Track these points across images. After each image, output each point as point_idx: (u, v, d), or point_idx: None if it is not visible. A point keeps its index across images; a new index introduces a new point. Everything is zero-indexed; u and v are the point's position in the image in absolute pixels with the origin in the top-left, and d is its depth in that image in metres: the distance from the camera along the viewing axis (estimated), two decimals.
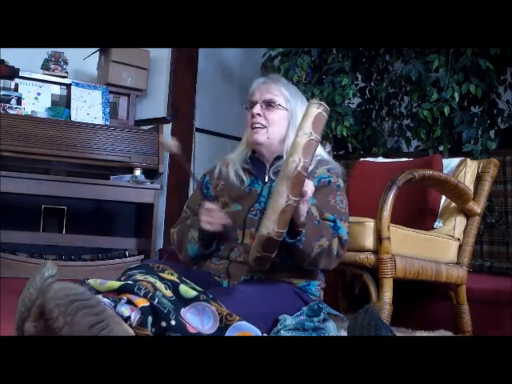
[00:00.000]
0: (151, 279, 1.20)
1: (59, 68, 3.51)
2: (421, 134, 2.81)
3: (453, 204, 1.98)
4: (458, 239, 1.95)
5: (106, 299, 1.14)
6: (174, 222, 1.76)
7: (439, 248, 1.88)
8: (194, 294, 1.19)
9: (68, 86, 3.51)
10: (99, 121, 3.46)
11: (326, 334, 1.40)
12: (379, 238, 1.66)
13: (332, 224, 1.49)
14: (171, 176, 3.73)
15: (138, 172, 3.32)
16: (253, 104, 1.61)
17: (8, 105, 3.23)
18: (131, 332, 1.09)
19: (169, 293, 1.18)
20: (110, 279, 1.22)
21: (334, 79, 3.11)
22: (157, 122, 3.70)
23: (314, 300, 1.53)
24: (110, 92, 3.62)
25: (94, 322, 1.00)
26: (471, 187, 1.97)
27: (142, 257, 3.29)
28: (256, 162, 1.66)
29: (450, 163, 2.11)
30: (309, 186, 1.32)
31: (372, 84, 3.35)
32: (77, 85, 3.50)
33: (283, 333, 1.33)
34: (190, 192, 3.72)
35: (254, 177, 1.63)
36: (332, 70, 3.15)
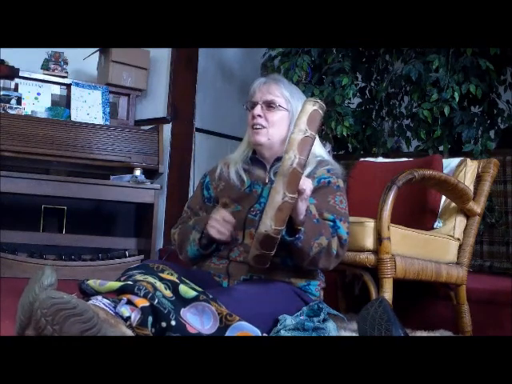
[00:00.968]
0: (151, 279, 1.20)
1: (59, 68, 3.51)
2: (421, 134, 2.81)
3: (453, 204, 1.98)
4: (458, 239, 1.95)
5: (105, 300, 1.14)
6: (173, 222, 1.76)
7: (439, 248, 1.88)
8: (193, 294, 1.19)
9: (68, 85, 3.51)
10: (99, 121, 3.46)
11: (326, 334, 1.40)
12: (379, 238, 1.66)
13: (332, 224, 1.49)
14: (171, 176, 3.73)
15: (138, 172, 3.32)
16: (253, 105, 1.61)
17: (8, 105, 3.23)
18: (128, 333, 1.08)
19: (169, 293, 1.18)
20: (109, 279, 1.22)
21: (334, 79, 3.11)
22: (157, 122, 3.70)
23: (313, 300, 1.53)
24: (110, 92, 3.62)
25: (83, 329, 0.99)
26: (471, 187, 1.97)
27: (142, 257, 3.29)
28: (256, 163, 1.66)
29: (450, 163, 2.11)
30: (307, 184, 1.32)
31: (372, 84, 3.35)
32: (77, 85, 3.51)
33: (283, 333, 1.33)
34: (190, 192, 3.72)
35: (254, 177, 1.63)
36: (332, 70, 3.15)
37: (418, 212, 1.99)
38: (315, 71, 3.27)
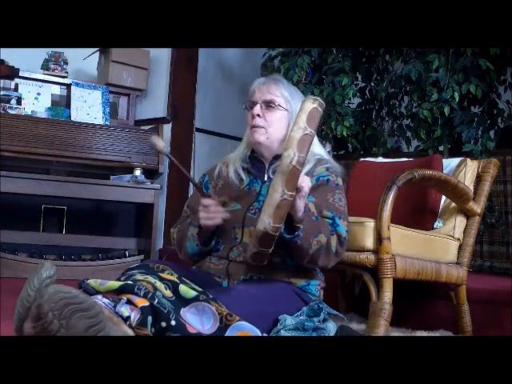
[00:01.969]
0: (151, 279, 1.20)
1: (59, 68, 3.51)
2: (421, 134, 2.80)
3: (453, 204, 1.98)
4: (458, 239, 1.95)
5: (105, 299, 1.14)
6: (173, 221, 1.76)
7: (439, 248, 1.88)
8: (193, 294, 1.19)
9: (68, 85, 3.52)
10: (99, 121, 3.46)
11: (326, 334, 1.40)
12: (379, 238, 1.66)
13: (330, 222, 1.49)
14: (171, 176, 3.73)
15: (138, 172, 3.32)
16: (253, 104, 1.61)
17: (8, 105, 3.23)
18: (130, 333, 1.08)
19: (169, 293, 1.18)
20: (109, 279, 1.22)
21: (334, 79, 3.11)
22: (157, 121, 3.70)
23: (313, 300, 1.53)
24: (110, 92, 3.62)
25: (89, 324, 1.00)
26: (471, 187, 1.97)
27: (141, 257, 3.29)
28: (255, 161, 1.66)
29: (450, 163, 2.10)
30: (305, 182, 1.32)
31: (372, 84, 3.35)
32: (77, 85, 3.51)
33: (283, 333, 1.33)
34: (190, 192, 3.72)
35: (253, 176, 1.63)
36: (332, 70, 3.15)
37: (418, 212, 1.99)
38: (315, 71, 3.27)
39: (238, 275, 1.50)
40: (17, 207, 3.32)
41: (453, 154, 2.70)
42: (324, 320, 1.45)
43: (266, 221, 1.25)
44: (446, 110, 2.69)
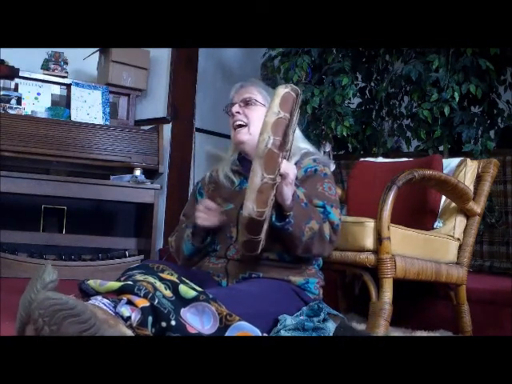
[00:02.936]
0: (151, 279, 1.20)
1: (59, 68, 3.51)
2: (421, 134, 2.80)
3: (453, 204, 1.98)
4: (458, 239, 1.95)
5: (105, 300, 1.14)
6: (174, 221, 1.77)
7: (439, 248, 1.88)
8: (193, 294, 1.19)
9: (68, 85, 3.52)
10: (99, 121, 3.46)
11: (326, 334, 1.40)
12: (379, 238, 1.66)
13: (322, 210, 1.50)
14: (171, 176, 3.73)
15: (138, 172, 3.32)
16: (231, 106, 1.65)
17: (8, 105, 3.23)
18: (128, 333, 1.08)
19: (169, 293, 1.18)
20: (110, 279, 1.22)
21: (334, 79, 3.11)
22: (157, 121, 3.70)
23: (312, 298, 1.54)
24: (110, 92, 3.62)
25: (81, 329, 0.99)
26: (471, 187, 1.97)
27: (141, 257, 3.29)
28: (244, 162, 1.68)
29: (450, 163, 2.11)
30: (289, 168, 1.32)
31: (372, 84, 3.34)
32: (77, 85, 3.51)
33: (283, 333, 1.33)
34: (190, 192, 3.72)
35: (243, 176, 1.65)
36: (332, 70, 3.15)
37: (417, 212, 1.99)
38: (315, 71, 3.27)
39: (236, 274, 1.50)
40: (17, 207, 3.32)
41: (453, 154, 2.70)
42: (324, 320, 1.45)
43: (250, 206, 1.25)
44: (446, 110, 2.69)
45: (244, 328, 1.19)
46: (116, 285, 1.18)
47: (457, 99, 2.67)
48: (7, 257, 2.96)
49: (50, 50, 3.51)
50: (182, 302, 1.18)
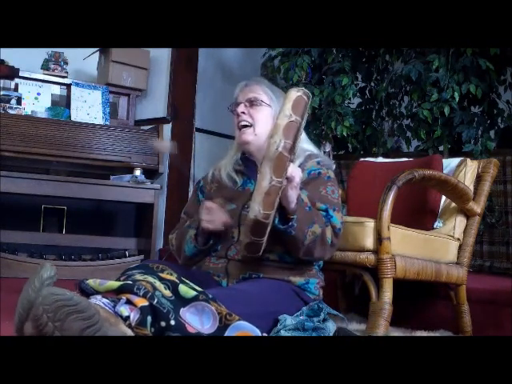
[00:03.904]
0: (150, 279, 1.20)
1: (59, 68, 3.51)
2: (421, 134, 2.80)
3: (453, 204, 1.98)
4: (458, 239, 1.95)
5: (105, 299, 1.14)
6: (174, 221, 1.77)
7: (439, 248, 1.88)
8: (193, 293, 1.19)
9: (68, 85, 3.51)
10: (99, 121, 3.46)
11: (326, 334, 1.40)
12: (379, 238, 1.66)
13: (324, 213, 1.50)
14: (171, 176, 3.73)
15: (138, 172, 3.32)
16: (237, 105, 1.64)
17: (8, 105, 3.23)
18: (128, 333, 1.08)
19: (168, 293, 1.18)
20: (109, 279, 1.22)
21: (334, 79, 3.11)
22: (157, 121, 3.70)
23: (313, 299, 1.54)
24: (110, 92, 3.62)
25: (84, 326, 1.00)
26: (471, 187, 1.97)
27: (141, 257, 3.29)
28: (247, 162, 1.67)
29: (450, 163, 2.11)
30: (296, 172, 1.32)
31: (372, 84, 3.34)
32: (77, 85, 3.51)
33: (283, 333, 1.33)
34: (190, 192, 3.72)
35: (246, 176, 1.64)
36: (332, 70, 3.15)
37: (417, 212, 1.99)
38: (315, 71, 3.27)
39: (237, 274, 1.50)
40: (17, 207, 3.32)
41: (453, 154, 2.70)
42: (324, 320, 1.45)
43: (256, 208, 1.25)
44: (446, 110, 2.69)
45: (244, 328, 1.19)
46: (115, 284, 1.18)
47: (457, 99, 2.67)
48: (7, 257, 2.96)
49: (49, 50, 3.51)
50: (181, 301, 1.18)
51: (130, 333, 1.09)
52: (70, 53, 3.52)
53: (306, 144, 1.68)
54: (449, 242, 1.92)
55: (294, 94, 1.28)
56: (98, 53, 3.70)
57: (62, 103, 3.50)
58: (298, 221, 1.37)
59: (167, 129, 3.69)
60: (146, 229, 3.38)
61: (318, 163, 1.61)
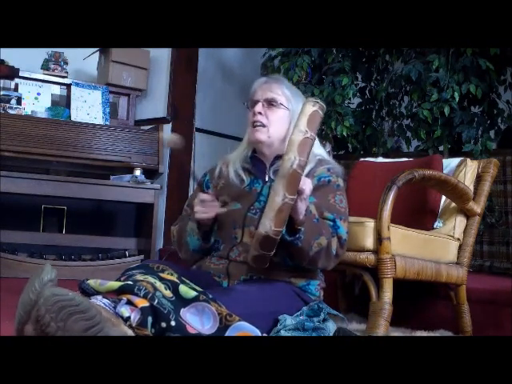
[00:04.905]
0: (151, 279, 1.20)
1: (59, 68, 3.51)
2: (421, 134, 2.80)
3: (453, 204, 1.98)
4: (458, 239, 1.95)
5: (105, 300, 1.14)
6: (174, 221, 1.76)
7: (439, 248, 1.88)
8: (193, 294, 1.19)
9: (68, 85, 3.52)
10: (99, 121, 3.46)
11: (326, 334, 1.40)
12: (379, 238, 1.66)
13: (331, 223, 1.49)
14: (171, 176, 3.73)
15: (138, 172, 3.32)
16: (254, 103, 1.61)
17: (8, 105, 3.23)
18: (129, 333, 1.08)
19: (168, 293, 1.18)
20: (109, 279, 1.22)
21: (334, 79, 3.11)
22: (157, 121, 3.70)
23: (313, 300, 1.53)
24: (110, 92, 3.62)
25: (86, 326, 1.00)
26: (471, 187, 1.97)
27: (142, 257, 3.29)
28: (256, 162, 1.66)
29: (449, 163, 2.10)
30: (306, 184, 1.32)
31: (372, 84, 3.35)
32: (77, 85, 3.51)
33: (283, 333, 1.33)
34: (190, 192, 3.72)
35: (253, 176, 1.63)
36: (332, 70, 3.15)
37: (417, 212, 1.99)
38: (315, 71, 3.27)
39: (238, 275, 1.50)
40: (17, 207, 3.32)
41: (453, 154, 2.70)
42: (324, 320, 1.45)
43: (268, 224, 1.25)
44: (446, 110, 2.69)
45: (244, 328, 1.19)
46: (116, 285, 1.18)
47: (457, 99, 2.67)
48: (7, 257, 2.96)
49: (50, 50, 3.51)
50: (181, 302, 1.18)
51: (131, 333, 1.09)
52: (70, 53, 3.52)
53: (317, 148, 1.65)
54: (449, 242, 1.92)
55: (310, 108, 1.28)
56: (97, 53, 3.70)
57: (62, 103, 3.50)
58: (305, 233, 1.37)
59: (167, 129, 3.69)
60: (145, 229, 3.38)
61: (329, 170, 1.60)
